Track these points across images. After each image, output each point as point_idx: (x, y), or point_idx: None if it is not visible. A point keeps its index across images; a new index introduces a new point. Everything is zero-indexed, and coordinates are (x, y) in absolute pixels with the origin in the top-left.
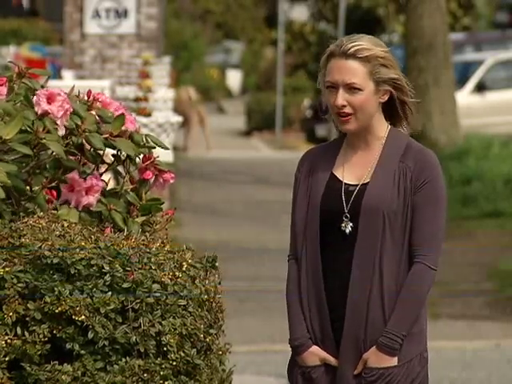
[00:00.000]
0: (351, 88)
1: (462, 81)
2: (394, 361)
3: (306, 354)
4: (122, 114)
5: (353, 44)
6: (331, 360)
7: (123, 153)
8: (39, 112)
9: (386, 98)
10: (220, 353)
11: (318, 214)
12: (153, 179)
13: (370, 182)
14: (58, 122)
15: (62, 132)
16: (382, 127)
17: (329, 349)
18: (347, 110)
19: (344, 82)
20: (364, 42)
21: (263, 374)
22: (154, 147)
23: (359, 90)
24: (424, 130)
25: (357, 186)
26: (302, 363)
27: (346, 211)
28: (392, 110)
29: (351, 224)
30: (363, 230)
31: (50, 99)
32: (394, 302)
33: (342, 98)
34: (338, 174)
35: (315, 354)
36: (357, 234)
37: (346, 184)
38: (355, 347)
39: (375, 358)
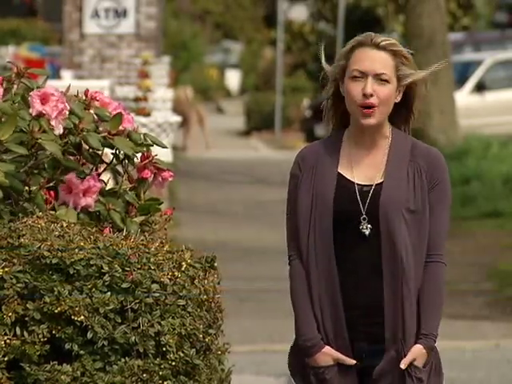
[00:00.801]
0: (380, 79)
1: (461, 81)
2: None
3: (318, 355)
4: (120, 113)
5: (384, 38)
6: (344, 359)
7: (121, 152)
8: (33, 113)
9: (399, 98)
10: (219, 353)
11: (331, 215)
12: (151, 178)
13: (385, 182)
14: (53, 123)
15: (58, 132)
16: (387, 127)
17: (341, 348)
18: (373, 100)
19: (375, 71)
20: (392, 39)
21: (262, 373)
22: (152, 145)
23: (387, 82)
24: (423, 129)
25: (370, 186)
26: (314, 364)
27: (363, 212)
28: (394, 111)
29: (370, 225)
30: (386, 231)
31: (44, 100)
32: (417, 299)
33: (371, 86)
34: (347, 173)
35: (328, 355)
36: (375, 234)
37: (358, 184)
38: (395, 348)
39: (422, 359)
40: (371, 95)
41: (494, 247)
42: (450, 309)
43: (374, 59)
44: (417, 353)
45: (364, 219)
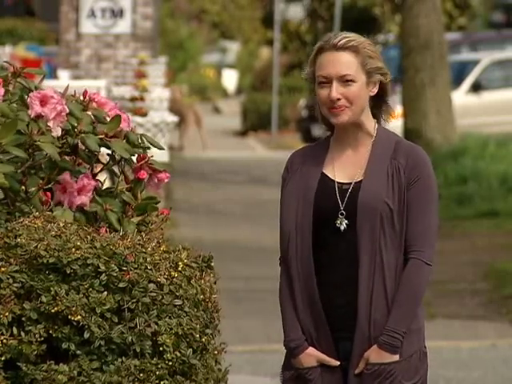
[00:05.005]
0: (345, 80)
1: (457, 81)
2: (395, 358)
3: (302, 356)
4: (118, 116)
5: (341, 37)
6: (328, 361)
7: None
8: (32, 115)
9: (375, 90)
10: (216, 352)
11: (311, 214)
12: (147, 179)
13: (364, 180)
14: (50, 124)
15: (56, 133)
16: (370, 124)
17: (326, 349)
18: (342, 102)
19: (338, 74)
20: (351, 35)
21: (259, 373)
22: (149, 147)
23: (352, 81)
24: (420, 129)
25: (350, 184)
26: (299, 365)
27: (341, 208)
28: (375, 106)
29: (346, 221)
30: (362, 228)
31: (44, 102)
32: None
33: (336, 90)
34: (329, 173)
35: (312, 356)
36: (352, 231)
37: (338, 183)
38: (365, 345)
39: (376, 356)
40: (338, 99)
41: (491, 247)
42: (446, 309)
43: (335, 62)
44: (370, 351)
45: (342, 214)
